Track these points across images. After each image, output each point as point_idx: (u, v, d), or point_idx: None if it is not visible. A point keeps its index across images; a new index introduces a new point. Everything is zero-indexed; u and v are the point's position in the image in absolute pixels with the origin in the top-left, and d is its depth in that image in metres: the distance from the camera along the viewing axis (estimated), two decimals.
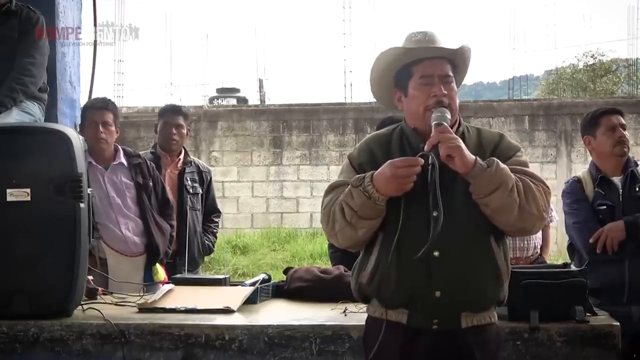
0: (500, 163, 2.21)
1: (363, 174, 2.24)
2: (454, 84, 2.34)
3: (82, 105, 4.46)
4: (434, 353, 2.26)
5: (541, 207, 2.24)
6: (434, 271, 2.21)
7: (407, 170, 2.16)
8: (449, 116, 2.26)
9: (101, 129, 3.90)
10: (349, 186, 2.24)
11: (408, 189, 2.18)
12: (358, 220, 2.22)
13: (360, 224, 2.23)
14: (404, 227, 2.20)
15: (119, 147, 4.05)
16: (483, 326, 2.30)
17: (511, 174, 2.21)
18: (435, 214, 2.18)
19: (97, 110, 3.96)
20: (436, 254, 2.20)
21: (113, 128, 3.98)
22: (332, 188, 2.35)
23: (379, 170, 2.21)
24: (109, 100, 4.17)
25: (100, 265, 3.79)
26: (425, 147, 2.20)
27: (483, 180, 2.17)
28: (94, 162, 3.88)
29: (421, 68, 2.32)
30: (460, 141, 2.19)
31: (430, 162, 2.17)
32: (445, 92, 2.29)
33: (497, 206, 2.19)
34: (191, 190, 4.68)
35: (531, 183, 2.25)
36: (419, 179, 2.19)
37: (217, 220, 5.00)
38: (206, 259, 5.62)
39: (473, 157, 2.19)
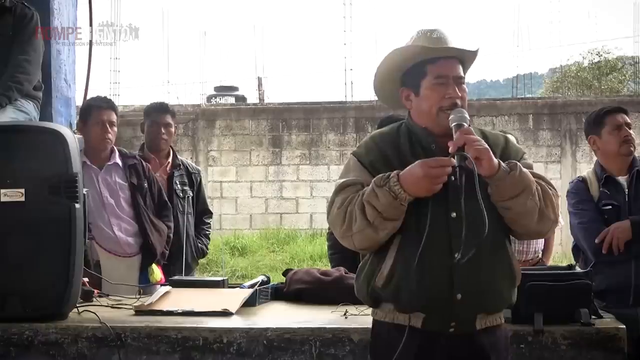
0: (522, 167, 2.21)
1: (386, 173, 2.21)
2: (465, 86, 2.35)
3: (79, 104, 4.42)
4: (450, 356, 2.24)
5: (556, 211, 2.28)
6: (456, 274, 2.20)
7: (441, 170, 2.15)
8: (468, 117, 2.25)
9: (108, 128, 3.89)
10: (372, 186, 2.21)
11: (438, 189, 2.16)
12: (381, 221, 2.19)
13: (383, 225, 2.20)
14: (429, 229, 2.17)
15: (115, 147, 4.03)
16: (494, 327, 2.30)
17: (532, 178, 2.22)
18: (453, 215, 2.18)
19: (104, 110, 3.94)
20: (457, 255, 2.17)
21: (116, 128, 3.98)
22: (343, 187, 2.30)
23: (407, 169, 2.18)
24: (110, 99, 4.16)
25: (94, 268, 3.74)
26: (450, 149, 2.17)
27: (507, 183, 2.17)
28: (88, 162, 3.85)
29: (437, 68, 2.30)
30: (485, 144, 2.18)
31: (457, 163, 2.15)
32: (459, 94, 2.29)
33: (520, 210, 2.20)
34: (181, 194, 4.58)
35: (547, 187, 2.26)
36: None
37: (209, 221, 4.91)
38: (204, 260, 5.58)
39: (497, 160, 2.18)
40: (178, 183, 4.60)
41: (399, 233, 2.24)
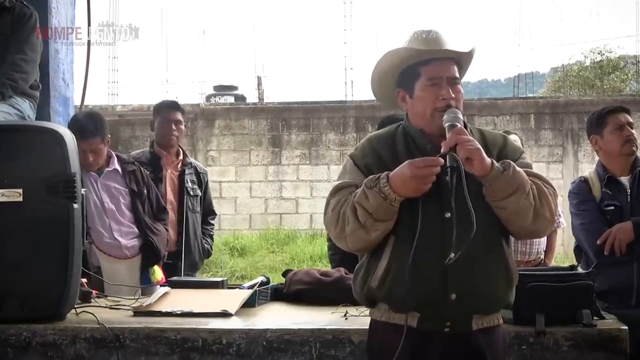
0: (516, 166, 2.20)
1: (377, 175, 2.22)
2: (460, 86, 2.34)
3: (77, 104, 4.39)
4: (446, 356, 2.24)
5: (553, 210, 2.26)
6: (450, 274, 2.20)
7: (428, 170, 2.15)
8: (461, 117, 2.26)
9: (90, 157, 3.77)
10: (362, 187, 2.21)
11: (427, 189, 2.16)
12: (373, 222, 2.20)
13: (375, 226, 2.20)
14: (422, 230, 2.17)
15: (113, 153, 3.98)
16: (491, 328, 2.30)
17: (527, 177, 2.21)
18: (448, 215, 2.18)
19: (85, 140, 3.66)
20: (452, 256, 2.17)
21: (103, 150, 3.85)
22: (338, 189, 2.32)
23: (395, 170, 2.18)
24: (97, 118, 3.92)
25: (94, 273, 3.71)
26: (442, 149, 2.18)
27: (500, 183, 2.17)
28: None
29: (430, 69, 2.30)
30: (478, 143, 2.18)
31: (449, 164, 2.15)
32: (453, 95, 2.29)
33: (514, 210, 2.19)
34: (192, 192, 4.68)
35: (543, 186, 2.25)
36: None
37: (213, 222, 4.99)
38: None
39: (489, 159, 2.18)
40: (189, 181, 4.67)
41: (393, 234, 2.25)
